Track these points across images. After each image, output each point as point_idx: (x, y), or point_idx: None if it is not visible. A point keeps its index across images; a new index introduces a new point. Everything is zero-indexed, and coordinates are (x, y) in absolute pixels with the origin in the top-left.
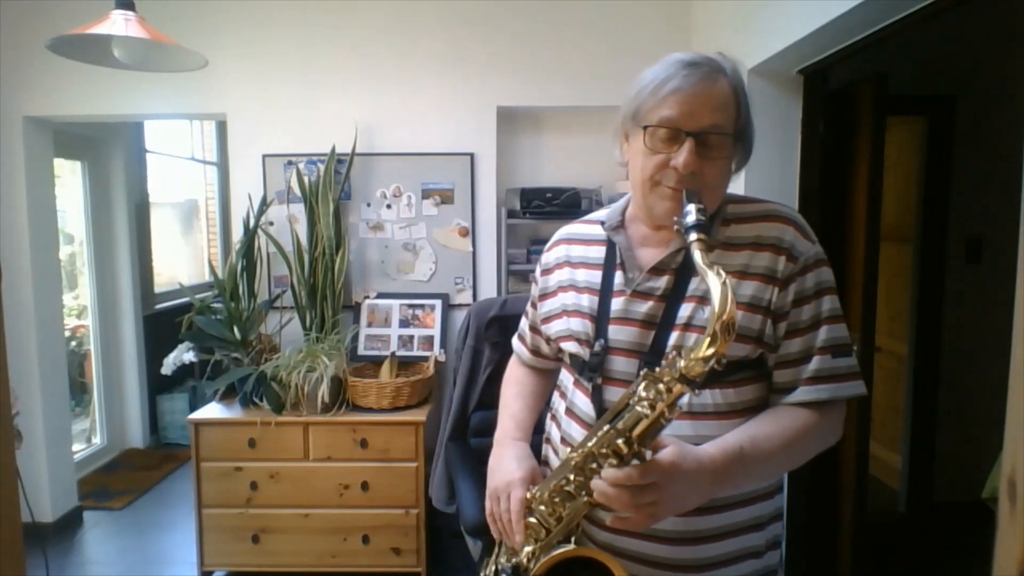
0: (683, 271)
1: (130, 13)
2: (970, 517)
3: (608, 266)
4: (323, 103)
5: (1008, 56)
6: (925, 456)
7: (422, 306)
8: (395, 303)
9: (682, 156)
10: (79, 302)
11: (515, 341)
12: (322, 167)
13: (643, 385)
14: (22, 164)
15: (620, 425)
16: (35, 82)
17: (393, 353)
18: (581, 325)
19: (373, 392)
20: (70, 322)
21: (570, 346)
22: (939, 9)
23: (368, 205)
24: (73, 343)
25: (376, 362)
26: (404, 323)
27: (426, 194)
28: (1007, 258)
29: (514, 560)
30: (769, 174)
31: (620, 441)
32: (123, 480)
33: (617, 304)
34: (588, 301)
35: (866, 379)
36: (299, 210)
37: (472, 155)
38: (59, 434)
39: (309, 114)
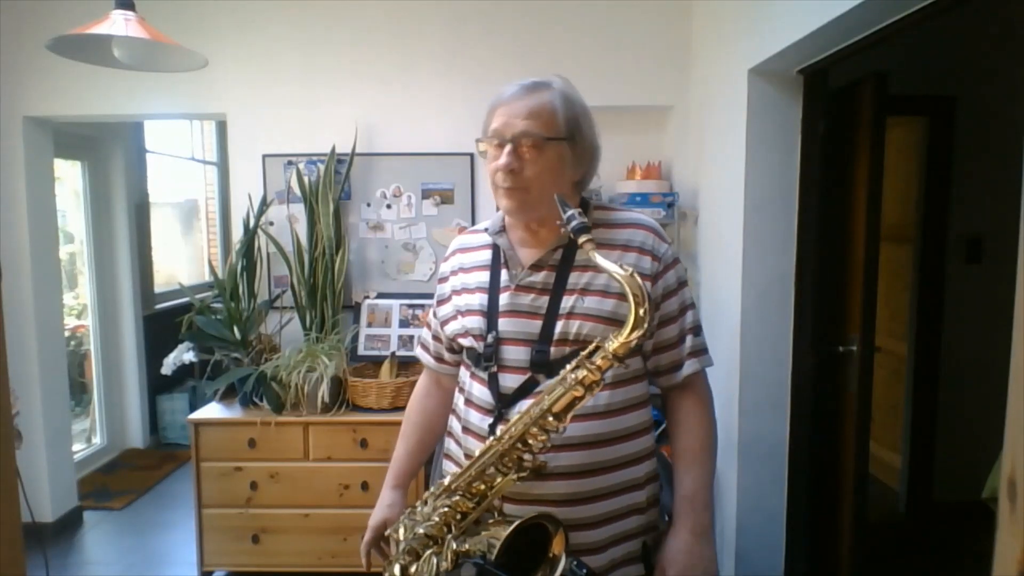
0: (562, 267)
1: (130, 13)
2: (970, 517)
3: (494, 266)
4: (323, 103)
5: (1008, 56)
6: (925, 456)
7: (422, 306)
8: (395, 303)
9: (500, 159)
10: (79, 302)
11: (419, 351)
12: (322, 167)
13: (572, 367)
14: (22, 164)
15: (547, 405)
16: (35, 82)
17: (393, 353)
18: (474, 322)
19: (373, 392)
20: (70, 322)
21: (466, 342)
22: (939, 9)
23: (368, 205)
24: (73, 343)
25: (376, 362)
26: (404, 323)
27: (426, 194)
28: (1007, 258)
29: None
30: (769, 174)
31: (550, 418)
32: (123, 480)
33: (504, 298)
34: (479, 299)
35: (866, 379)
36: (299, 210)
37: (472, 155)
38: (59, 434)
39: (309, 114)
